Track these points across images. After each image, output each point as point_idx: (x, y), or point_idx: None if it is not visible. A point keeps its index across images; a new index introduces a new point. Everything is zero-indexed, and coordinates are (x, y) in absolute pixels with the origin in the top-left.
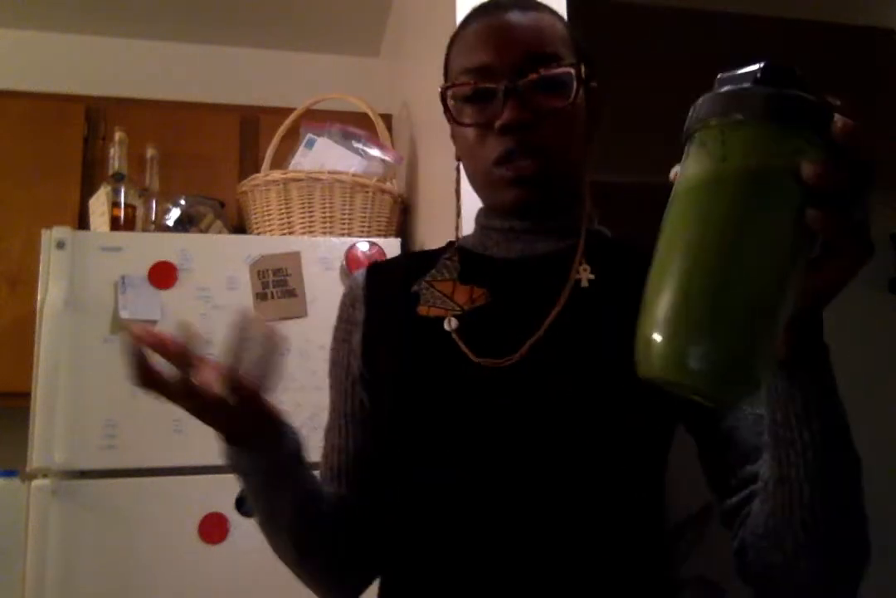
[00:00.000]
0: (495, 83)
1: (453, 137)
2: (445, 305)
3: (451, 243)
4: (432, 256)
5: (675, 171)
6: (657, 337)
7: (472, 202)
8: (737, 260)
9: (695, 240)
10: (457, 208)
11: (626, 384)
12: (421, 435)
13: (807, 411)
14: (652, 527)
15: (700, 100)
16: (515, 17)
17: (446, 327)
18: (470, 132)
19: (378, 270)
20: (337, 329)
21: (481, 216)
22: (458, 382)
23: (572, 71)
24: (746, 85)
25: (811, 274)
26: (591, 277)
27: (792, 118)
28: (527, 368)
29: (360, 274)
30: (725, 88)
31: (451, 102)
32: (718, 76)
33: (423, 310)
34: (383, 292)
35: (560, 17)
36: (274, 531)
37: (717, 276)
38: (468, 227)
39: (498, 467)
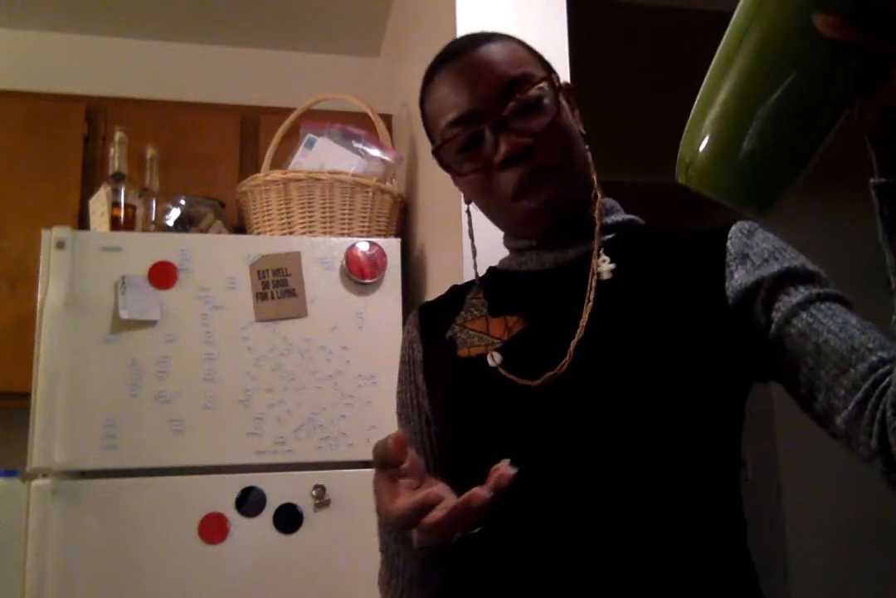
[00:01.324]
0: (481, 125)
1: (458, 184)
2: (483, 341)
3: (474, 281)
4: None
5: None
6: (702, 143)
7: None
8: (785, 71)
9: (745, 56)
10: (472, 249)
11: (684, 363)
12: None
13: None
14: (733, 528)
15: None
16: (476, 55)
17: (490, 363)
18: (474, 178)
19: (428, 309)
20: (401, 371)
21: (509, 240)
22: (519, 410)
23: (545, 85)
24: None
25: (883, 85)
26: (612, 267)
27: None
28: (578, 370)
29: (413, 315)
30: None
31: (447, 158)
32: None
33: (463, 352)
34: (435, 332)
35: (518, 40)
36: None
37: (765, 86)
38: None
39: (590, 472)
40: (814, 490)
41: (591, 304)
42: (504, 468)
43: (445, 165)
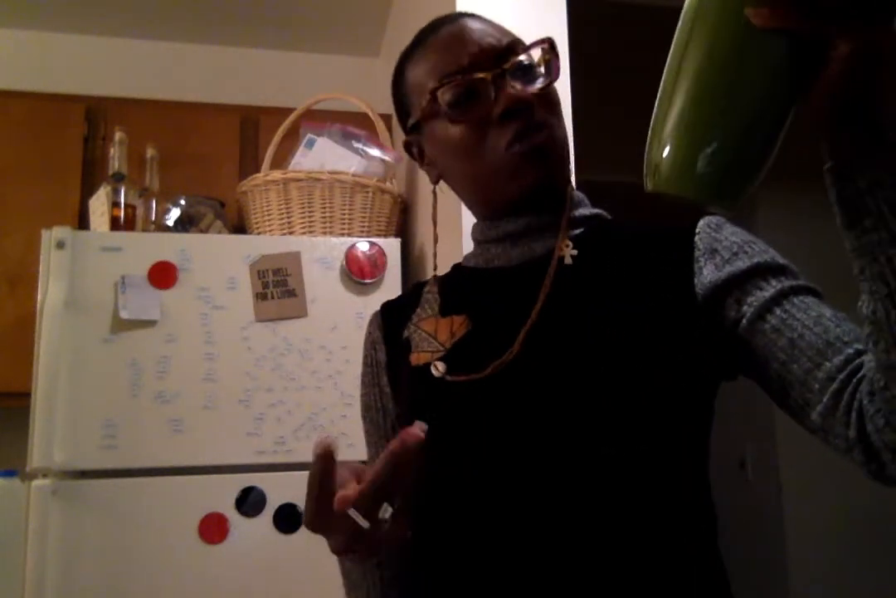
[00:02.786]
0: (481, 74)
1: (431, 164)
2: (431, 346)
3: (454, 267)
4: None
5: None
6: (664, 151)
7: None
8: (730, 75)
9: (691, 64)
10: (434, 236)
11: (644, 354)
12: (449, 467)
13: (886, 208)
14: (696, 520)
15: None
16: (469, 23)
17: (434, 373)
18: (464, 133)
19: (390, 308)
20: (365, 374)
21: (477, 232)
22: (469, 404)
23: (546, 45)
24: None
25: (824, 71)
26: (574, 252)
27: None
28: (531, 356)
29: (375, 315)
30: None
31: (443, 105)
32: None
33: (413, 358)
34: (396, 332)
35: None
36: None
37: (713, 92)
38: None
39: (531, 471)
40: (814, 490)
41: (548, 289)
42: (414, 428)
43: (435, 111)
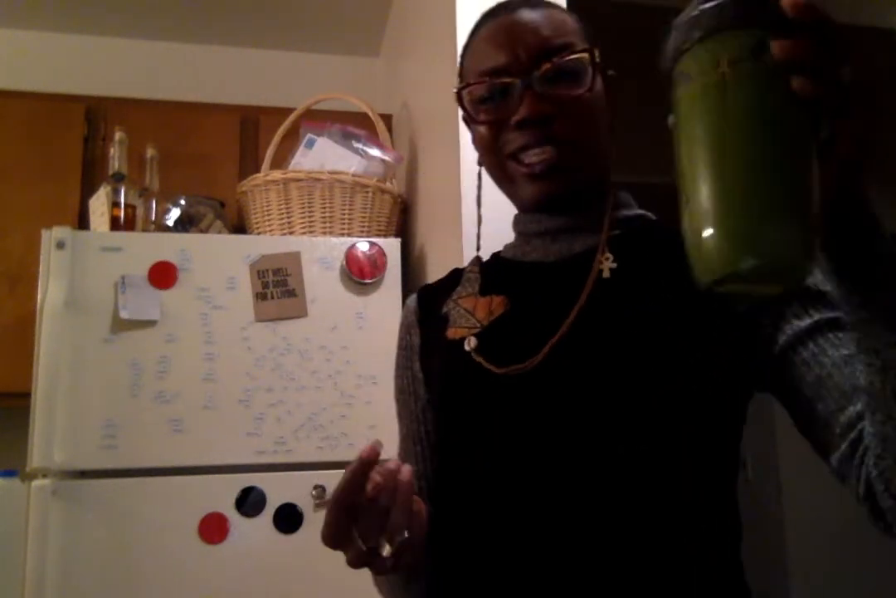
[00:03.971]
0: (510, 78)
1: (474, 142)
2: (468, 323)
3: (493, 255)
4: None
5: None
6: (713, 238)
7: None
8: (763, 151)
9: (716, 148)
10: (478, 217)
11: (663, 366)
12: (463, 457)
13: (876, 291)
14: (716, 528)
15: (667, 39)
16: (524, 15)
17: (466, 347)
18: (485, 130)
19: (427, 292)
20: (399, 356)
21: (518, 224)
22: (485, 397)
23: (586, 56)
24: (696, 9)
25: (829, 154)
26: (613, 266)
27: (745, 19)
28: (550, 368)
29: (411, 299)
30: (679, 20)
31: (467, 105)
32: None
33: (450, 332)
34: (433, 314)
35: (570, 13)
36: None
37: (749, 170)
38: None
39: (543, 475)
40: (814, 490)
41: (581, 303)
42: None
43: (464, 109)
